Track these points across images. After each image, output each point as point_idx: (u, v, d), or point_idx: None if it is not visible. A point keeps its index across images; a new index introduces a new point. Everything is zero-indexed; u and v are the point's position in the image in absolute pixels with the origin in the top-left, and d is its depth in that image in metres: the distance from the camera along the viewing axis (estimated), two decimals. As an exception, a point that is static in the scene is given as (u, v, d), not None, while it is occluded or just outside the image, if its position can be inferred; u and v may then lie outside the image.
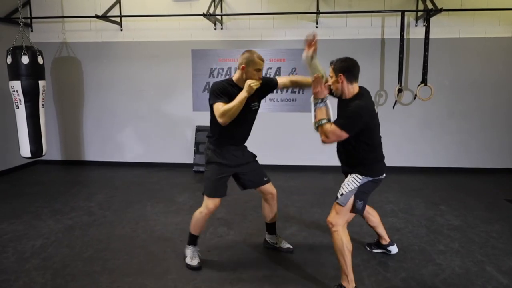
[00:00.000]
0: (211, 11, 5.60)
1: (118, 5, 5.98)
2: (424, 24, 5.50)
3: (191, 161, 6.16)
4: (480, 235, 3.56)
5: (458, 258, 3.11)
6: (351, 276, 2.55)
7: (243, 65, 2.73)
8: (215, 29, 6.03)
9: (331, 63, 2.65)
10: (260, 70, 2.75)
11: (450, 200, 4.60)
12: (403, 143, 6.00)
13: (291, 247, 3.26)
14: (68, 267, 2.99)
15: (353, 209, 2.60)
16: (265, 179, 3.08)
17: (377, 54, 5.85)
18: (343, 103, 2.60)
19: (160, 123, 6.33)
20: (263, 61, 2.77)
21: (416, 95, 5.71)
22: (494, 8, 5.49)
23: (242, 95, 2.63)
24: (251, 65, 2.72)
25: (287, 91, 6.03)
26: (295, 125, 6.10)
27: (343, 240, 2.52)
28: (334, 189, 4.99)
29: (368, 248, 3.26)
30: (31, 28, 6.25)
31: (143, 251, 3.27)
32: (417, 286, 2.71)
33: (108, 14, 5.79)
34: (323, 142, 2.50)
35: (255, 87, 2.65)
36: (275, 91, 3.11)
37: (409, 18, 5.77)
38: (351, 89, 2.57)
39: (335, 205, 2.63)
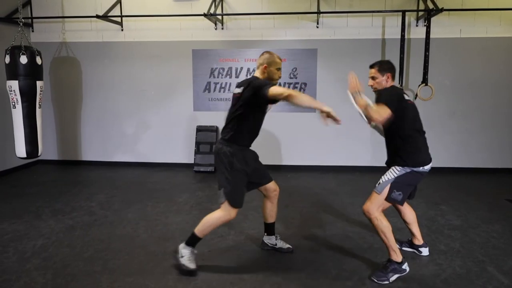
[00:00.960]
0: (211, 11, 5.60)
1: (118, 5, 5.99)
2: (425, 24, 5.50)
3: (192, 161, 6.16)
4: (481, 235, 3.56)
5: (459, 258, 3.11)
6: (398, 251, 2.78)
7: (265, 65, 2.88)
8: (215, 29, 6.03)
9: (372, 66, 2.91)
10: (280, 69, 2.93)
11: (451, 200, 4.60)
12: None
13: (291, 247, 3.26)
14: (68, 267, 2.99)
15: (389, 199, 2.75)
16: (270, 176, 3.12)
17: (378, 54, 5.85)
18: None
19: (161, 123, 6.33)
20: (281, 60, 2.97)
21: (416, 95, 5.71)
22: (495, 8, 5.50)
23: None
24: (273, 65, 2.88)
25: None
26: (296, 125, 6.11)
27: (383, 223, 2.73)
28: (335, 189, 5.04)
29: (399, 245, 3.25)
30: (32, 28, 6.26)
31: (144, 251, 3.27)
32: (418, 286, 2.71)
33: (109, 14, 5.80)
34: (380, 122, 2.64)
35: None
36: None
37: (410, 18, 5.77)
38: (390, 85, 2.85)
39: (371, 193, 2.81)
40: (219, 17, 5.91)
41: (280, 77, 2.95)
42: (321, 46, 5.93)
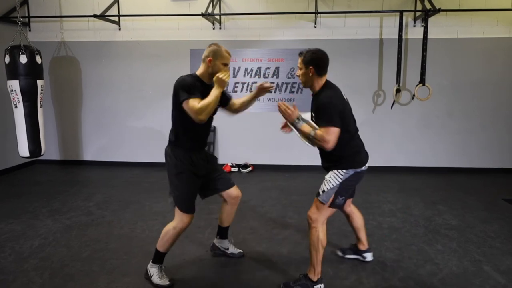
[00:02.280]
0: (209, 10, 5.60)
1: (116, 4, 5.98)
2: (422, 24, 5.51)
3: (190, 161, 6.15)
4: (478, 235, 3.57)
5: (455, 258, 3.12)
6: (318, 269, 2.62)
7: (209, 58, 2.56)
8: (213, 28, 6.03)
9: (300, 54, 2.61)
10: (227, 65, 2.62)
11: (448, 199, 4.62)
12: (401, 143, 6.01)
13: (242, 251, 3.17)
14: (66, 267, 2.99)
15: (332, 205, 2.60)
16: (231, 181, 2.96)
17: (376, 54, 5.86)
18: (313, 99, 2.62)
19: (159, 122, 6.32)
20: (230, 55, 2.65)
21: (414, 95, 5.72)
22: (492, 9, 5.51)
23: (216, 91, 2.48)
24: (219, 58, 2.57)
25: (285, 90, 6.03)
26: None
27: (319, 236, 2.56)
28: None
29: (340, 253, 3.13)
30: (29, 27, 6.24)
31: (142, 251, 3.27)
32: (415, 285, 2.72)
33: (107, 14, 5.79)
34: (329, 148, 2.42)
35: (226, 80, 2.49)
36: (230, 107, 2.91)
37: (407, 18, 5.78)
38: (320, 82, 2.57)
39: (316, 201, 2.62)
40: (217, 17, 5.90)
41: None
42: (319, 46, 5.76)
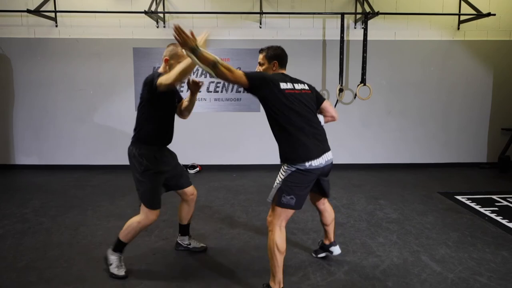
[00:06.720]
0: (153, 8, 5.47)
1: (52, -1, 5.68)
2: (363, 26, 5.74)
3: (135, 163, 5.97)
4: (415, 227, 3.77)
5: (396, 249, 3.27)
6: (279, 277, 2.49)
7: (166, 57, 2.70)
8: (157, 27, 5.89)
9: (261, 51, 2.74)
10: None
11: (388, 194, 4.84)
12: (344, 141, 6.22)
13: (205, 245, 3.25)
14: (-1, 279, 2.79)
15: (280, 204, 2.44)
16: (189, 179, 3.08)
17: (319, 55, 6.02)
18: None
19: (101, 123, 6.08)
20: None
21: (356, 94, 5.95)
22: (425, 13, 5.84)
23: (189, 60, 2.34)
24: (175, 57, 2.69)
25: (232, 90, 6.03)
26: (241, 125, 6.13)
27: (275, 240, 2.44)
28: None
29: (314, 255, 3.14)
30: (-46, 22, 5.76)
31: (84, 257, 3.12)
32: (359, 278, 2.82)
33: (42, 9, 5.47)
34: (223, 77, 2.27)
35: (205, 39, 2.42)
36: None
37: (349, 20, 5.99)
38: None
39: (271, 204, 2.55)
40: (161, 15, 5.78)
41: None
42: (264, 46, 5.97)
